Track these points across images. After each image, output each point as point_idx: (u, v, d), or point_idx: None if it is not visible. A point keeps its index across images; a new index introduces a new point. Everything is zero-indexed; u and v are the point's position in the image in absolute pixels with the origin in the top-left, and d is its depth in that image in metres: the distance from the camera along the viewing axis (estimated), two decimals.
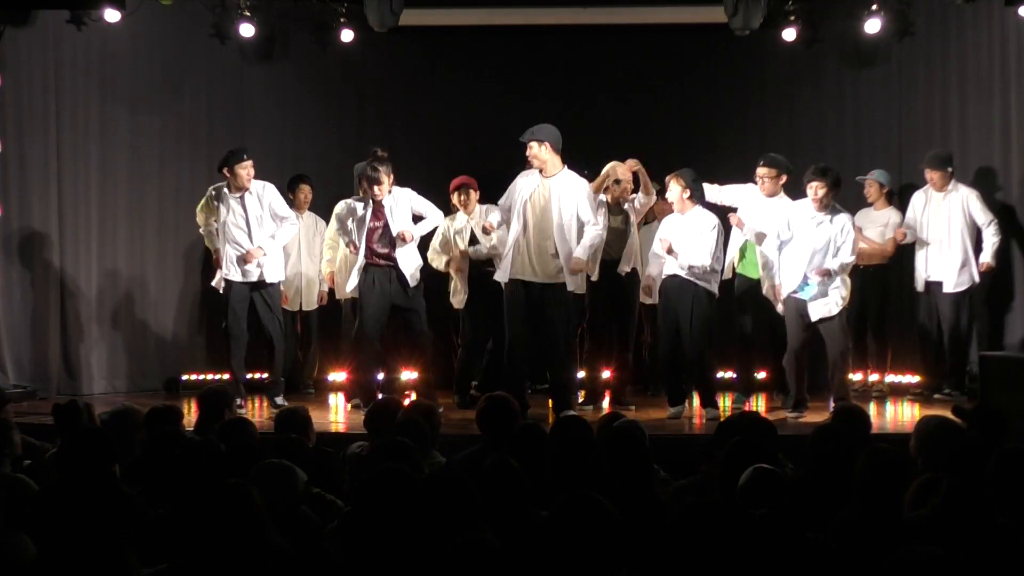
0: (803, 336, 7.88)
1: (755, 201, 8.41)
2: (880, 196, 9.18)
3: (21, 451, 5.44)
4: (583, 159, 9.80)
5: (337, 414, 8.48)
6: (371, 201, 8.06)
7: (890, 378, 9.20)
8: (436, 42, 10.17)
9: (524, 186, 7.86)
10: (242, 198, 8.43)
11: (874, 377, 9.35)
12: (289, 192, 9.59)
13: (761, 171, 8.39)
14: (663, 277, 8.02)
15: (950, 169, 8.78)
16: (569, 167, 7.97)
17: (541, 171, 7.83)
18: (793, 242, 7.90)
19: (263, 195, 8.50)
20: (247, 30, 9.50)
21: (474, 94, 10.21)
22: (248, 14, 9.45)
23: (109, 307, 9.73)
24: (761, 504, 3.80)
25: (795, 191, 8.34)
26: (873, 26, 9.30)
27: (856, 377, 9.41)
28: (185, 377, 9.63)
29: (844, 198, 9.51)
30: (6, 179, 9.26)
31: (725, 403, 8.42)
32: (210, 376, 9.50)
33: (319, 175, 9.84)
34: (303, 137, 10.22)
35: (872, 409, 8.29)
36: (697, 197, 8.01)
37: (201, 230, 8.96)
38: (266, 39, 9.98)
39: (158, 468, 4.73)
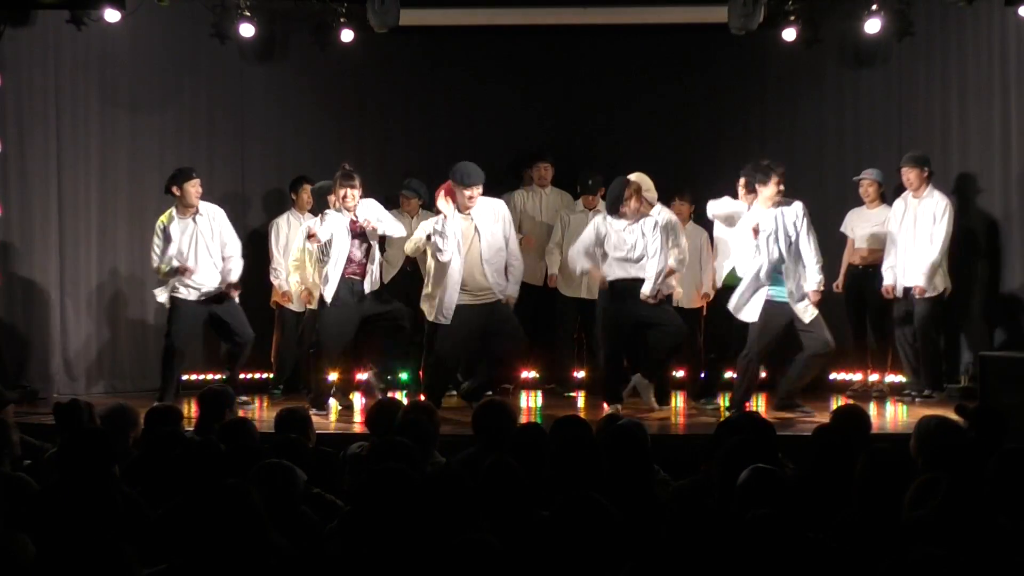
0: (772, 344, 7.91)
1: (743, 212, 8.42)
2: (877, 196, 9.19)
3: (21, 451, 5.44)
4: (582, 159, 9.86)
5: (337, 414, 8.48)
6: (345, 213, 8.09)
7: (890, 378, 9.20)
8: (436, 42, 10.16)
9: (454, 225, 8.13)
10: (193, 219, 8.57)
11: (874, 377, 9.34)
12: (292, 193, 9.59)
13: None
14: (615, 280, 8.02)
15: (927, 169, 8.75)
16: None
17: (463, 209, 8.13)
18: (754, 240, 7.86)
19: (214, 219, 8.64)
20: (247, 30, 9.50)
21: (474, 94, 10.21)
22: (248, 14, 9.45)
23: (109, 307, 9.73)
24: (760, 504, 3.79)
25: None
26: (873, 26, 9.29)
27: (856, 377, 9.42)
28: (185, 377, 9.61)
29: (842, 198, 9.57)
30: (6, 179, 9.27)
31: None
32: (210, 376, 9.50)
33: (319, 175, 9.80)
34: (303, 137, 10.21)
35: (872, 409, 8.29)
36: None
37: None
38: (266, 39, 9.97)
39: (158, 468, 4.73)
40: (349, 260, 8.09)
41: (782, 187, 7.80)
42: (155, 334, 9.83)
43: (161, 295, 8.71)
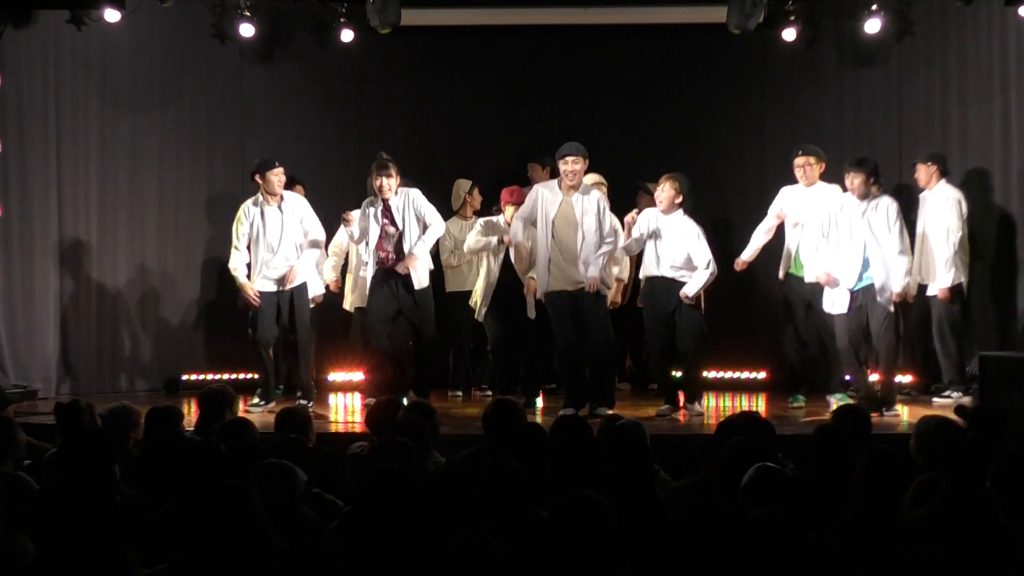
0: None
1: (796, 195, 8.47)
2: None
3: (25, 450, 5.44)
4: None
5: (337, 414, 8.48)
6: (380, 201, 8.06)
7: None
8: (436, 42, 10.17)
9: (549, 200, 7.88)
10: (279, 207, 8.38)
11: (875, 377, 9.32)
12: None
13: (799, 160, 8.40)
14: (646, 279, 8.03)
15: (932, 164, 8.72)
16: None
17: (567, 186, 7.84)
18: (840, 234, 7.89)
19: (295, 209, 8.45)
20: (247, 30, 9.50)
21: (475, 94, 10.22)
22: (248, 14, 9.45)
23: (109, 307, 9.74)
24: (765, 503, 3.80)
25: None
26: (873, 26, 9.29)
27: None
28: (185, 377, 9.64)
29: None
30: (6, 179, 9.27)
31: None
32: (210, 376, 9.49)
33: (319, 175, 9.83)
34: (303, 137, 10.20)
35: None
36: (688, 205, 8.00)
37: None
38: (266, 39, 9.97)
39: (158, 468, 4.73)
40: (380, 248, 8.07)
41: (858, 180, 7.83)
42: (156, 334, 9.86)
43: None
